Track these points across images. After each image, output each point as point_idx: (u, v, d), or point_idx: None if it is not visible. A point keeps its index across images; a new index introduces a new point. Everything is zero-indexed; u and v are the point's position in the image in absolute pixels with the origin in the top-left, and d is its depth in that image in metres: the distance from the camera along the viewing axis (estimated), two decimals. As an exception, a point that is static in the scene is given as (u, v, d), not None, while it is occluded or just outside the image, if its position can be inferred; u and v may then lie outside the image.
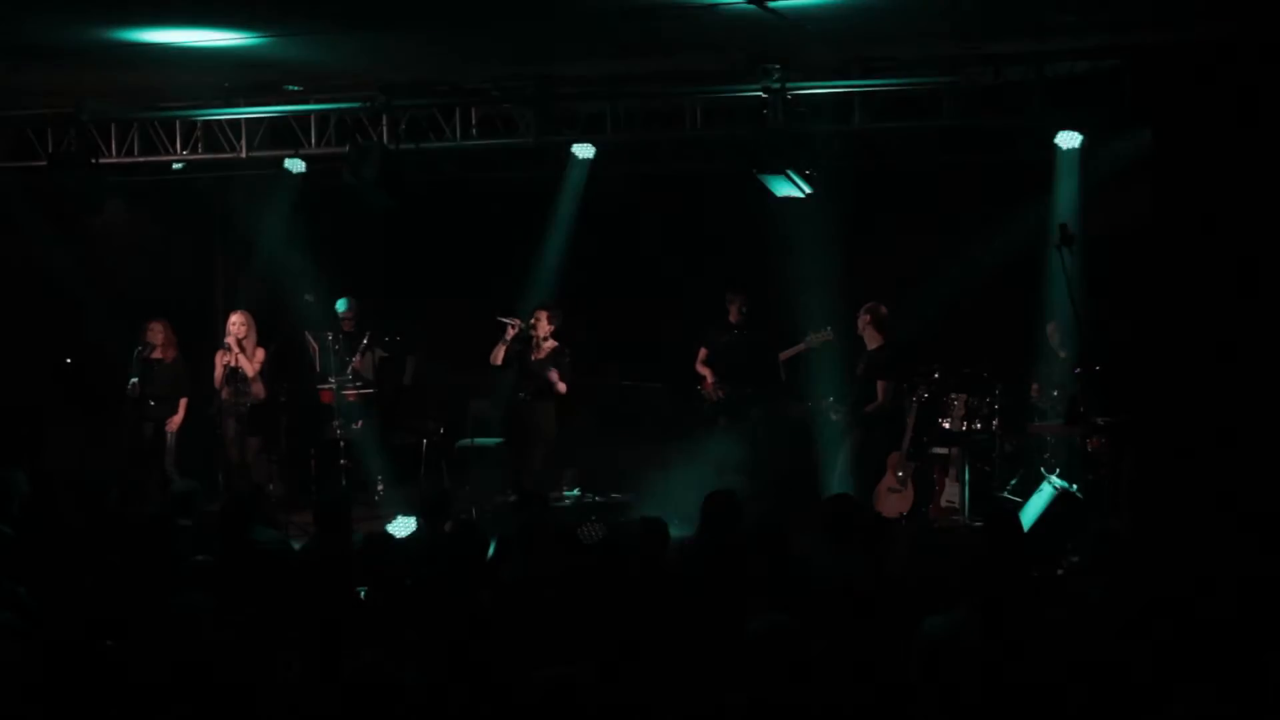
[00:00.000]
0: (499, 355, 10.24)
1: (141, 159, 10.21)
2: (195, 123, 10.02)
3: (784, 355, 10.39)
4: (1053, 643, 4.87)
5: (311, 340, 11.31)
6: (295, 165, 10.00)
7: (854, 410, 9.87)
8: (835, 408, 9.82)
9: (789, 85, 8.74)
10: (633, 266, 11.26)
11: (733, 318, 10.65)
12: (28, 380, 10.78)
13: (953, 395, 9.79)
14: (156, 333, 10.44)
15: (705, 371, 10.71)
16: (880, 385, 9.68)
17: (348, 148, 9.53)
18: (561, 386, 10.23)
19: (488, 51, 8.53)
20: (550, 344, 10.29)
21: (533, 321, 10.21)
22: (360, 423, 11.11)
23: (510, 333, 10.16)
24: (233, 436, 10.42)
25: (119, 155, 10.12)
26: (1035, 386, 9.76)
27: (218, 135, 10.05)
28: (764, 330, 10.59)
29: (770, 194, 9.32)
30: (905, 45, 8.49)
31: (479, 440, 11.17)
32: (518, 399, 10.37)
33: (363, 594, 6.15)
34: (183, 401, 10.50)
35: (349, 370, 11.10)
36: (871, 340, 9.82)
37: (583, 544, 7.07)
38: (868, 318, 9.81)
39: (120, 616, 5.52)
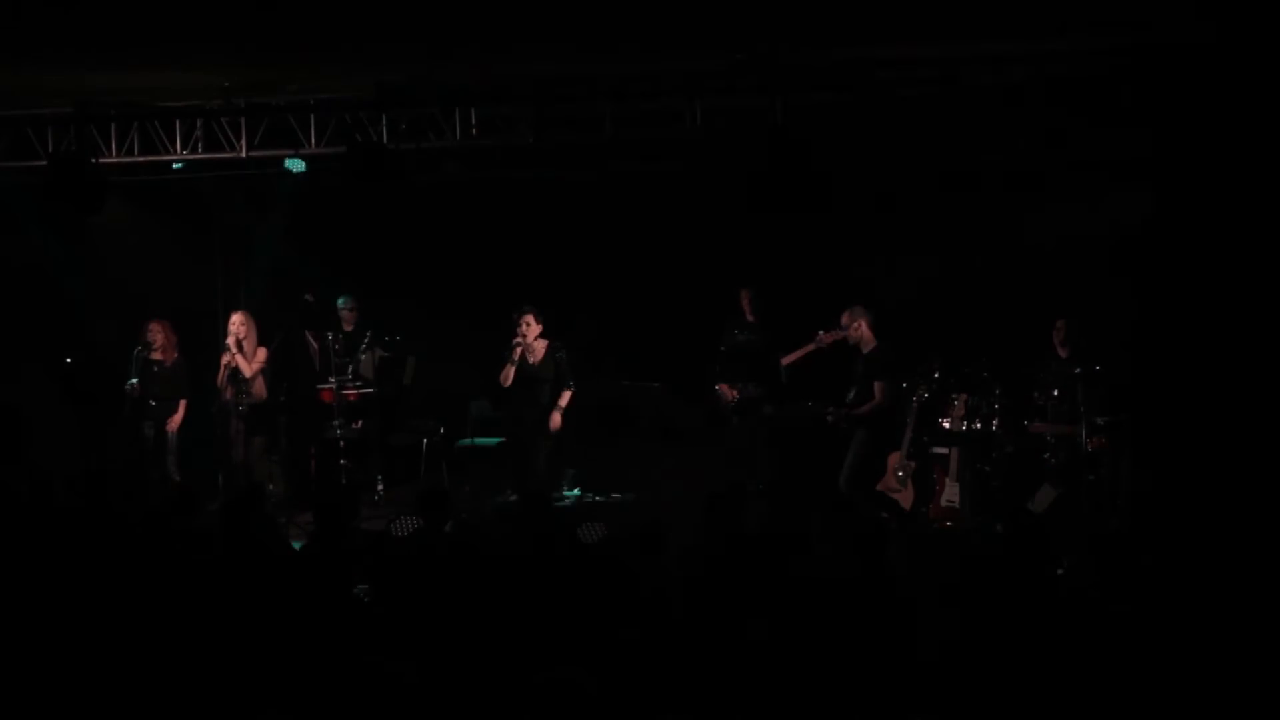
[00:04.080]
0: (509, 376, 10.21)
1: (141, 159, 10.20)
2: (195, 123, 10.01)
3: (785, 360, 10.35)
4: (1053, 642, 4.88)
5: (311, 340, 11.32)
6: (295, 165, 10.00)
7: (852, 412, 9.85)
8: (833, 411, 9.81)
9: (789, 85, 8.74)
10: (632, 266, 11.25)
11: (748, 315, 10.62)
12: (27, 380, 10.78)
13: (953, 395, 9.78)
14: (156, 333, 10.44)
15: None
16: (878, 386, 9.68)
17: (348, 148, 9.55)
18: (565, 398, 10.21)
19: (488, 52, 8.53)
20: (543, 343, 10.27)
21: (523, 328, 10.17)
22: (360, 423, 11.12)
23: (517, 354, 10.16)
24: (235, 436, 10.42)
25: (119, 155, 10.11)
26: (1036, 390, 9.76)
27: (218, 135, 10.05)
28: (773, 328, 10.53)
29: (770, 193, 9.30)
30: (905, 45, 8.49)
31: (479, 440, 11.18)
32: (518, 400, 10.35)
33: (363, 594, 6.15)
34: (182, 403, 10.51)
35: (349, 370, 11.10)
36: (866, 342, 9.82)
37: (583, 544, 7.07)
38: (863, 321, 9.81)
39: (120, 616, 5.52)
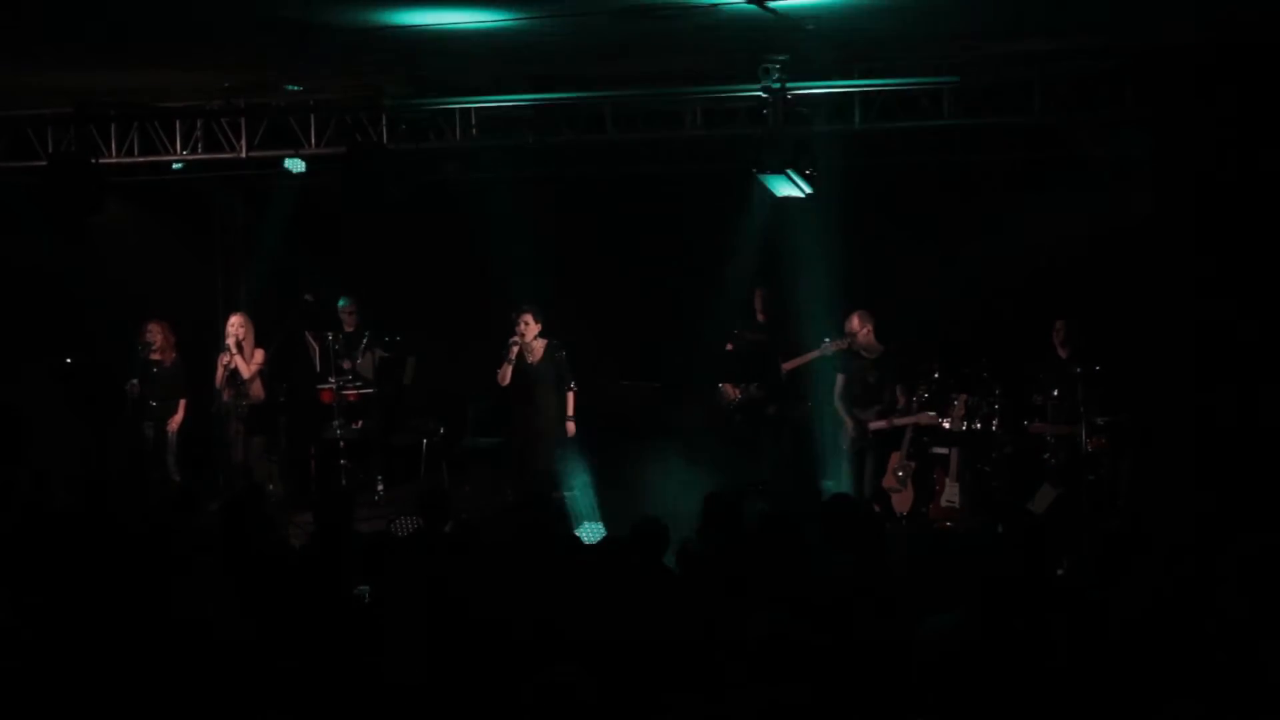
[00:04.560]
0: (506, 375, 10.17)
1: (141, 159, 10.21)
2: (195, 123, 10.02)
3: (788, 366, 10.35)
4: (1053, 643, 4.87)
5: (311, 340, 11.33)
6: (295, 165, 10.00)
7: (881, 416, 9.86)
8: (887, 421, 9.86)
9: (789, 85, 8.74)
10: (632, 267, 11.25)
11: (760, 316, 10.62)
12: (27, 380, 10.78)
13: (953, 395, 9.78)
14: (155, 334, 10.45)
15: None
16: (899, 390, 9.72)
17: (348, 148, 9.55)
18: (571, 401, 10.19)
19: (488, 51, 8.52)
20: (541, 342, 10.23)
21: (520, 328, 10.13)
22: (360, 423, 11.12)
23: (514, 353, 10.11)
24: (234, 437, 10.43)
25: (119, 155, 10.12)
26: (1036, 390, 9.77)
27: (218, 135, 10.05)
28: (782, 329, 10.54)
29: (770, 194, 9.33)
30: (905, 45, 8.49)
31: (480, 440, 11.18)
32: (517, 399, 10.34)
33: (364, 594, 6.15)
34: (182, 402, 10.53)
35: (349, 370, 11.10)
36: (872, 348, 9.83)
37: (583, 544, 7.08)
38: (869, 326, 9.82)
39: (120, 617, 5.52)
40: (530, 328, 10.12)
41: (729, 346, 10.68)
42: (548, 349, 10.20)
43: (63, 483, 8.90)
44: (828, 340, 10.06)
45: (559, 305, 10.47)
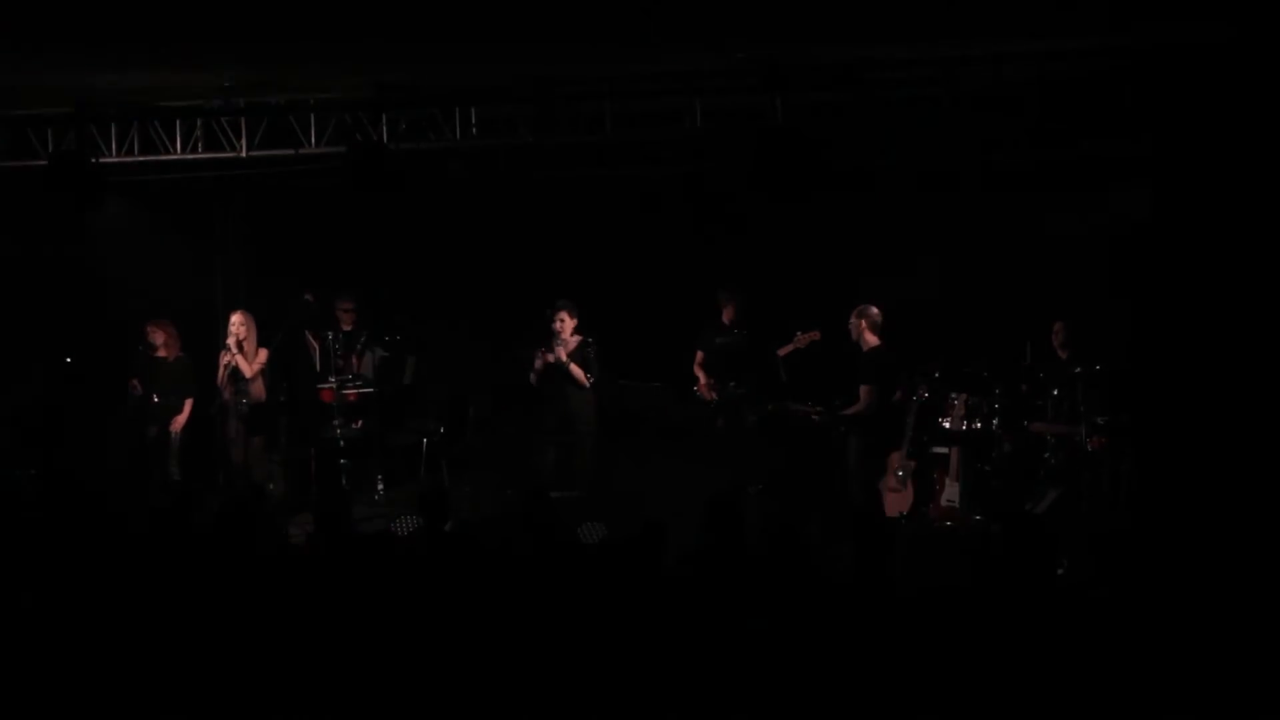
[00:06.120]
0: (540, 368, 10.23)
1: (141, 159, 10.21)
2: (195, 123, 10.02)
3: (782, 351, 10.39)
4: (1053, 642, 4.88)
5: (311, 340, 11.32)
6: None
7: (837, 412, 9.88)
8: (820, 412, 9.86)
9: (789, 85, 8.74)
10: (632, 266, 11.25)
11: (726, 319, 10.65)
12: (27, 381, 10.78)
13: (953, 395, 9.78)
14: (155, 334, 10.44)
15: (700, 374, 10.72)
16: (863, 390, 9.68)
17: (348, 148, 9.55)
18: (582, 377, 10.19)
19: (488, 50, 8.53)
20: (575, 338, 10.26)
21: (556, 325, 10.17)
22: (360, 423, 11.12)
23: (561, 354, 10.16)
24: (234, 437, 10.42)
25: (119, 155, 10.12)
26: (1026, 387, 9.78)
27: (218, 135, 10.05)
28: (758, 331, 10.56)
29: (769, 193, 9.32)
30: (905, 45, 8.49)
31: (480, 440, 11.16)
32: (544, 395, 10.35)
33: (363, 596, 6.14)
34: (188, 402, 10.50)
35: (349, 370, 11.10)
36: (867, 344, 9.83)
37: (583, 544, 7.07)
38: (863, 322, 9.82)
39: (120, 618, 5.51)
40: (566, 324, 10.16)
41: (699, 355, 10.71)
42: (580, 345, 10.24)
43: (63, 483, 8.90)
44: (800, 333, 10.15)
45: (556, 305, 10.48)
